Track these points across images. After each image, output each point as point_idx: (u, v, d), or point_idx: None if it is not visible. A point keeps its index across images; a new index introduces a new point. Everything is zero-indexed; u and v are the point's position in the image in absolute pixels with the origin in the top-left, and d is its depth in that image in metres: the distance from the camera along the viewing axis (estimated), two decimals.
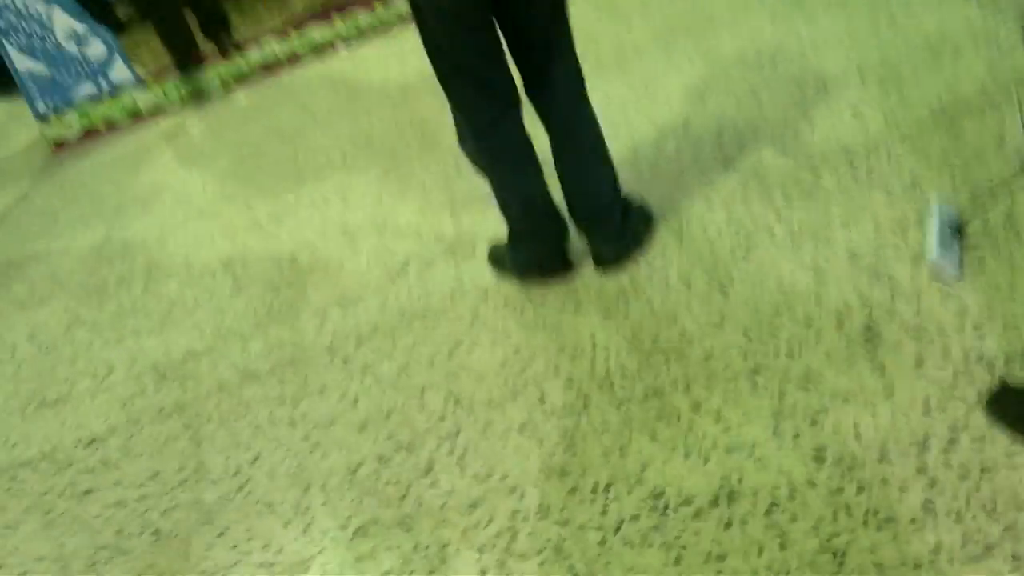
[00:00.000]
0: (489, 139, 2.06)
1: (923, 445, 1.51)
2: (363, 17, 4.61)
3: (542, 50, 2.00)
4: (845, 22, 2.93)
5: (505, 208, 2.18)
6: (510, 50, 2.00)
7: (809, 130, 2.46)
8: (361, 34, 4.57)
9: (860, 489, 1.49)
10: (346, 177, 3.22)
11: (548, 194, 2.15)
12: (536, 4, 1.93)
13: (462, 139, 2.12)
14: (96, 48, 4.77)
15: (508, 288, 2.29)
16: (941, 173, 2.11)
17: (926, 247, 1.89)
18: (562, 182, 2.15)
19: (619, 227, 2.20)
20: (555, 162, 2.13)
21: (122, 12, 5.23)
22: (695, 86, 2.91)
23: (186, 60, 4.59)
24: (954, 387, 1.60)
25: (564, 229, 2.21)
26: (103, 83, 4.83)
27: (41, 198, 4.19)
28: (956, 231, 1.89)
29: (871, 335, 1.77)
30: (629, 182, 2.36)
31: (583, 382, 1.93)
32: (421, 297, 2.40)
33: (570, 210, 2.19)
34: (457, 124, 2.09)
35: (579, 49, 2.06)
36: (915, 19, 2.78)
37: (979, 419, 1.52)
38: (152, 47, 4.85)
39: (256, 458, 2.07)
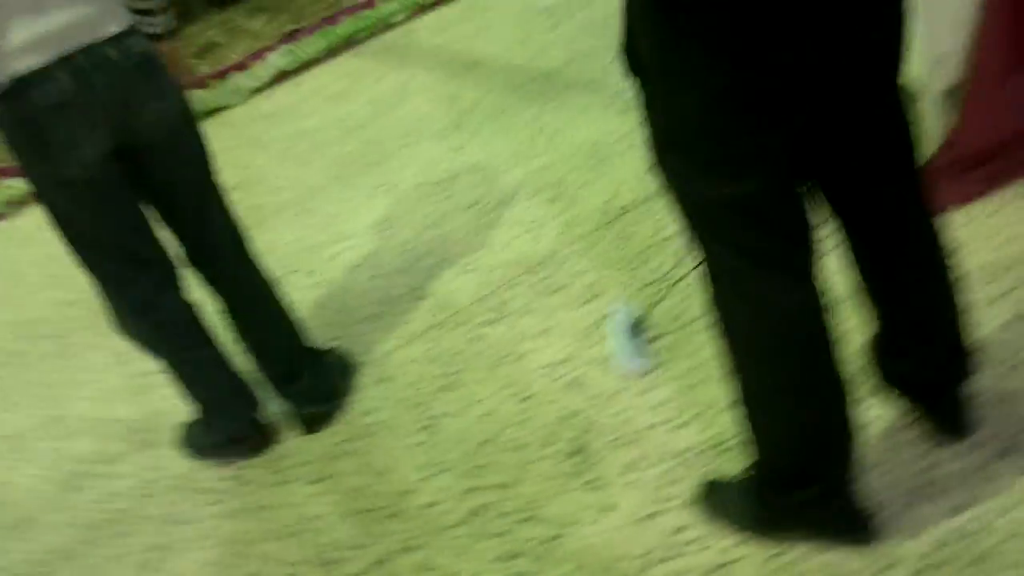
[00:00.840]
0: (150, 317, 1.87)
1: (647, 557, 1.51)
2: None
3: (195, 215, 1.88)
4: (509, 143, 3.04)
5: (183, 386, 1.97)
6: (164, 220, 1.86)
7: (490, 250, 2.50)
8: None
9: None
10: (4, 373, 2.78)
11: (226, 362, 1.99)
12: (180, 171, 1.82)
13: (118, 321, 1.90)
14: None
15: (204, 472, 2.05)
16: (615, 274, 2.22)
17: (609, 350, 1.95)
18: (245, 345, 2.01)
19: (316, 383, 2.08)
20: (232, 326, 1.99)
21: None
22: (379, 221, 2.86)
23: None
24: (666, 485, 1.62)
25: (252, 397, 2.04)
26: None
27: None
28: (638, 328, 1.97)
29: (579, 447, 1.76)
30: (322, 330, 2.25)
31: (299, 566, 1.73)
32: (105, 502, 2.08)
33: (261, 371, 2.03)
34: (109, 306, 1.87)
35: (256, 198, 1.97)
36: (568, 134, 2.96)
37: (693, 514, 1.55)
38: None
39: None
